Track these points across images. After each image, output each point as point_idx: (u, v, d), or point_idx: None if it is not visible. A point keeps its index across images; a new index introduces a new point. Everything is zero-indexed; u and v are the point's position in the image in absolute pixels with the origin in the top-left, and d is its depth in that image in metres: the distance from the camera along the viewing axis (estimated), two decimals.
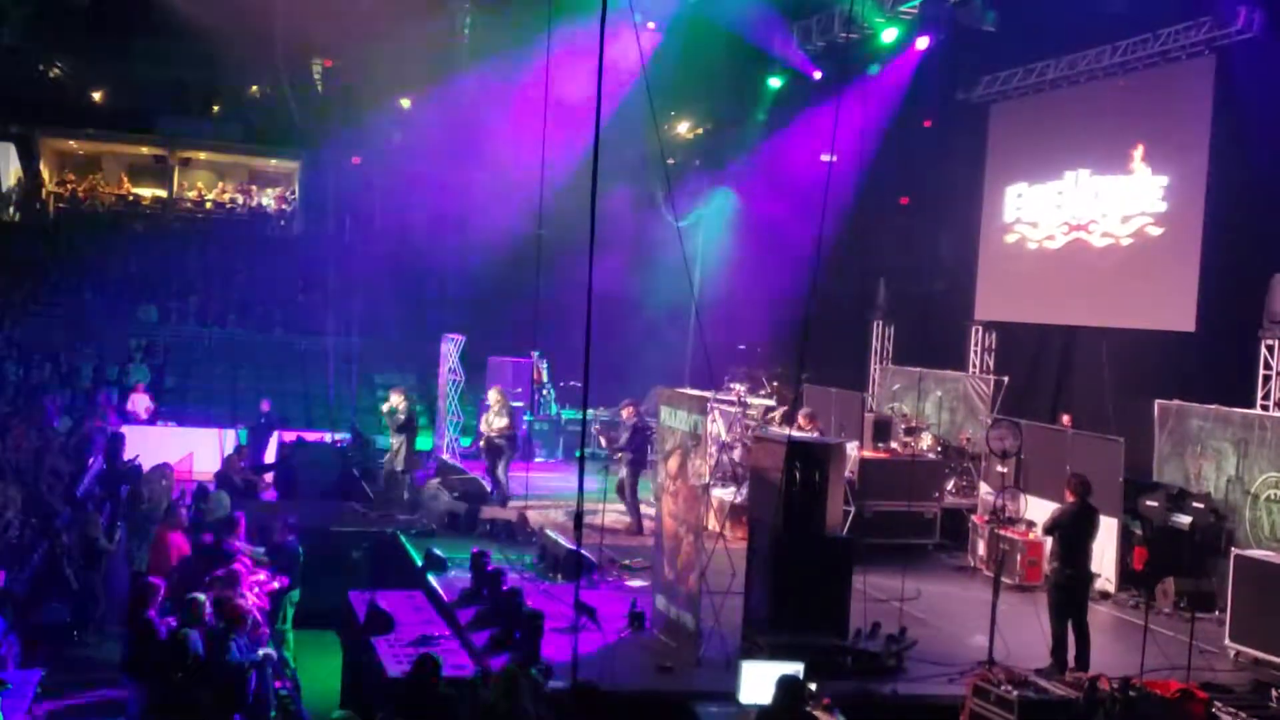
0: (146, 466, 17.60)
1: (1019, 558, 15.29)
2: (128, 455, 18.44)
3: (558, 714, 8.72)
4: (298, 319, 27.95)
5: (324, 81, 31.30)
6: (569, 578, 13.27)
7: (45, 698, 11.58)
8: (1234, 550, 13.48)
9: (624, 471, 17.23)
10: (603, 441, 18.17)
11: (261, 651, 9.99)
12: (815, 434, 16.85)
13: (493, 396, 18.66)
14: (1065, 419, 18.17)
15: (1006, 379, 19.71)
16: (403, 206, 29.38)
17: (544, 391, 23.50)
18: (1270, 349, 15.51)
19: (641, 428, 17.27)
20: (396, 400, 18.78)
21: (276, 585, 12.26)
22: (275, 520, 14.80)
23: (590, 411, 22.50)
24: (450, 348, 21.54)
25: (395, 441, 18.68)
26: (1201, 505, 14.96)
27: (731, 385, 20.15)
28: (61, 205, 30.96)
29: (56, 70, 31.98)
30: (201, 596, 9.78)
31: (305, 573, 13.22)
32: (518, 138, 22.23)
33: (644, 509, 16.53)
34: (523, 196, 22.00)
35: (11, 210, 29.33)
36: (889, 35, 21.16)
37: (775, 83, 24.86)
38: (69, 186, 31.62)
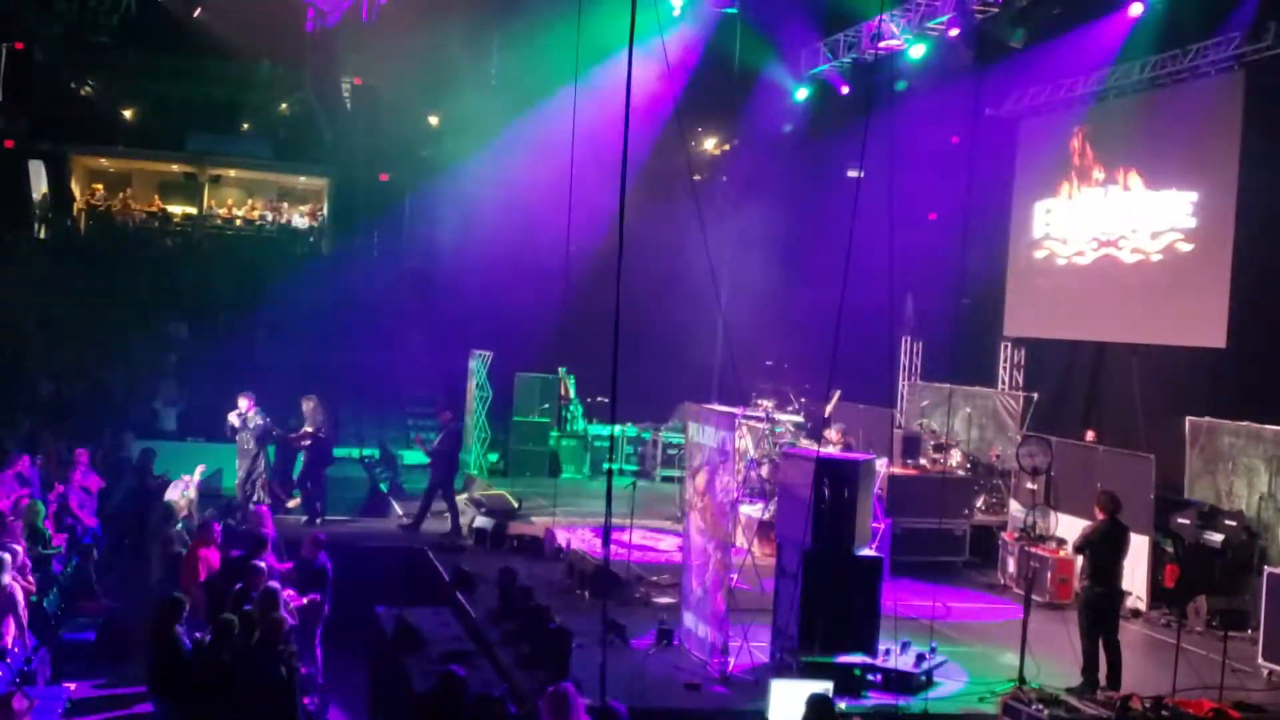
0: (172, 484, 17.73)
1: (1049, 575, 15.22)
2: (157, 471, 18.57)
3: None
4: (327, 336, 28.07)
5: (353, 99, 31.47)
6: (597, 594, 13.25)
7: (74, 713, 11.65)
8: (1267, 568, 13.38)
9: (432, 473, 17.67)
10: (419, 441, 18.21)
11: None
12: (844, 447, 16.84)
13: (305, 405, 18.42)
14: (1090, 435, 18.02)
15: (1036, 395, 19.62)
16: (431, 223, 29.48)
17: (571, 408, 23.54)
18: None
19: (452, 432, 17.60)
20: (244, 405, 17.95)
21: (305, 602, 12.28)
22: (303, 537, 14.86)
23: (618, 428, 22.54)
24: (478, 364, 21.62)
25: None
26: (1234, 523, 14.86)
27: (759, 401, 20.11)
28: (92, 222, 31.20)
29: (87, 88, 32.27)
30: (233, 617, 9.78)
31: (333, 589, 13.22)
32: (546, 155, 22.28)
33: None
34: (550, 213, 22.07)
35: (39, 227, 29.57)
36: (917, 52, 21.13)
37: (802, 94, 24.85)
38: (101, 204, 31.86)
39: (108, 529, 16.83)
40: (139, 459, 18.75)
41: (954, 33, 19.91)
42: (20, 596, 11.96)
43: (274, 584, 11.21)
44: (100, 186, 32.89)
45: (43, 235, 29.45)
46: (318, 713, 11.36)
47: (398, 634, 11.82)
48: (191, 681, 9.36)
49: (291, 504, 18.32)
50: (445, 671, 9.25)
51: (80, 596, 14.41)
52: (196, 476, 17.52)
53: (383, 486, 20.41)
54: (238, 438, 17.93)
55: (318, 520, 17.37)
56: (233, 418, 17.92)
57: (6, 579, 11.76)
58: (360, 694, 12.59)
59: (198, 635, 10.20)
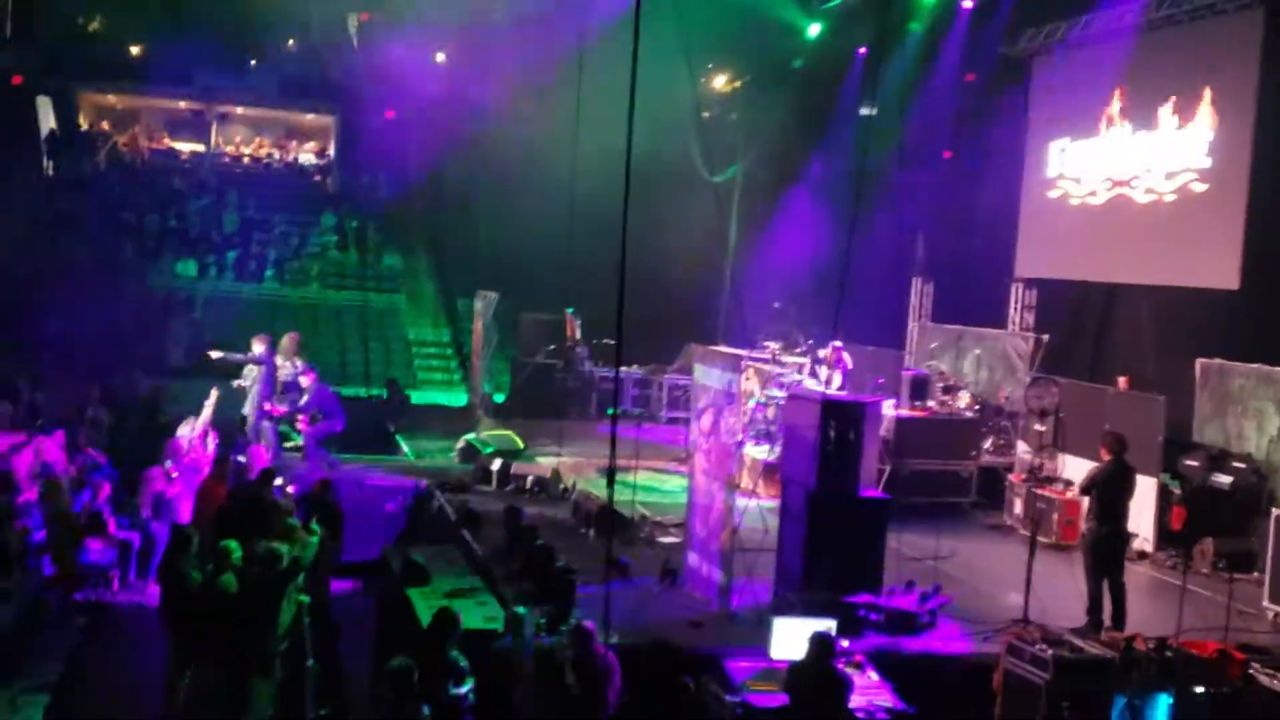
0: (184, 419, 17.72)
1: (1055, 516, 15.22)
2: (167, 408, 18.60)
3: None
4: (333, 274, 28.11)
5: (360, 36, 31.25)
6: (602, 534, 13.28)
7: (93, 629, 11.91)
8: (1274, 511, 13.35)
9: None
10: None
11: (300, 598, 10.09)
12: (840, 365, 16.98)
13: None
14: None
15: (1046, 337, 19.51)
16: (438, 162, 29.35)
17: (577, 349, 23.46)
18: None
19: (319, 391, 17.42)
20: (259, 349, 17.53)
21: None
22: (312, 475, 14.93)
23: (624, 369, 22.53)
24: (484, 304, 21.55)
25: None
26: (1242, 465, 14.82)
27: (766, 343, 20.06)
28: (100, 159, 31.06)
29: (95, 24, 32.06)
30: (234, 543, 9.82)
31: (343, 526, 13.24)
32: (552, 92, 22.10)
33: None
34: (559, 151, 21.87)
35: (47, 164, 29.45)
36: None
37: (814, 30, 24.53)
38: (108, 140, 31.72)
39: (119, 465, 16.89)
40: (148, 396, 18.83)
41: None
42: None
43: (294, 520, 11.25)
44: (136, 128, 32.82)
45: (51, 172, 29.33)
46: (326, 645, 11.41)
47: (404, 571, 11.89)
48: (196, 612, 9.42)
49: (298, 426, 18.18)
50: (440, 609, 9.36)
51: (94, 530, 14.48)
52: (208, 410, 17.51)
53: (389, 426, 20.47)
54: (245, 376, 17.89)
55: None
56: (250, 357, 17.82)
57: None
58: (369, 629, 12.66)
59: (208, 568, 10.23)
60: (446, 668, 8.84)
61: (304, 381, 17.43)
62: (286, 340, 18.07)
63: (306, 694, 10.26)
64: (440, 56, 30.10)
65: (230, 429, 17.73)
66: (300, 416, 17.43)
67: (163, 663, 10.10)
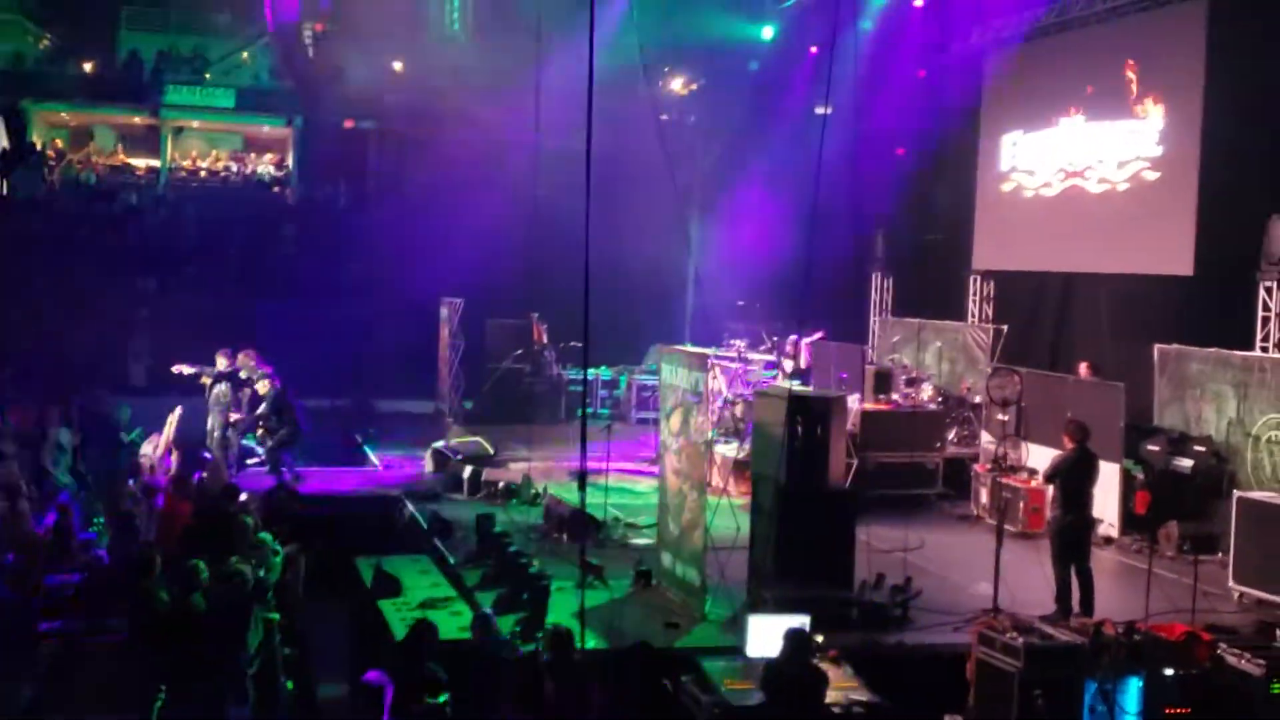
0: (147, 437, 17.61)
1: (1021, 505, 15.36)
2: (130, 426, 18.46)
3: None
4: (296, 285, 27.91)
5: (315, 46, 31.10)
6: (574, 538, 13.31)
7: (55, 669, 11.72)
8: (1236, 492, 13.56)
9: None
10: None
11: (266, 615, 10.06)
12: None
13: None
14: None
15: (1005, 328, 19.69)
16: (398, 170, 29.27)
17: (545, 353, 23.47)
18: (1269, 290, 15.51)
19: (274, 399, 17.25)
20: (222, 363, 17.77)
21: (284, 551, 12.26)
22: (278, 489, 14.85)
23: (591, 371, 22.55)
24: (449, 310, 21.52)
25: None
26: (1203, 448, 15.00)
27: (731, 341, 20.15)
28: (53, 177, 30.76)
29: (46, 41, 31.76)
30: (201, 562, 9.77)
31: (310, 537, 13.19)
32: (512, 98, 22.07)
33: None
34: (519, 156, 21.88)
35: (1, 182, 29.14)
36: None
37: (768, 32, 24.68)
38: (63, 158, 31.42)
39: (84, 485, 16.78)
40: (113, 415, 18.67)
41: None
42: None
43: (263, 534, 11.21)
44: (91, 145, 32.55)
45: (4, 191, 29.03)
46: (298, 659, 11.39)
47: (376, 582, 11.87)
48: (166, 631, 9.36)
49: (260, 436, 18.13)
50: (417, 620, 9.34)
51: (59, 552, 14.36)
52: (170, 430, 17.42)
53: (357, 437, 20.42)
54: (210, 392, 17.82)
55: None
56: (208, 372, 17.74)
57: None
58: (341, 642, 12.64)
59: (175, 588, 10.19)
60: (425, 680, 8.82)
61: (262, 388, 17.37)
62: (244, 355, 18.03)
63: (281, 714, 10.24)
64: (398, 65, 30.01)
65: (194, 445, 17.69)
66: (262, 426, 17.35)
67: (133, 686, 10.00)
